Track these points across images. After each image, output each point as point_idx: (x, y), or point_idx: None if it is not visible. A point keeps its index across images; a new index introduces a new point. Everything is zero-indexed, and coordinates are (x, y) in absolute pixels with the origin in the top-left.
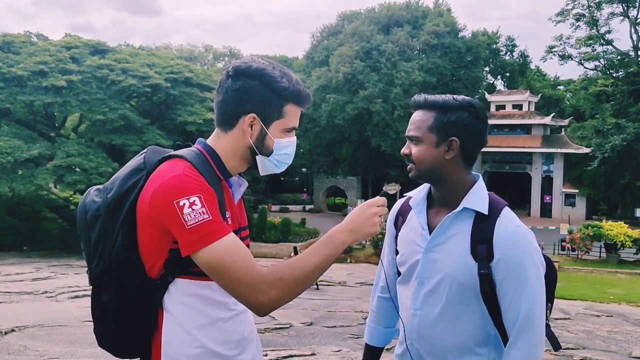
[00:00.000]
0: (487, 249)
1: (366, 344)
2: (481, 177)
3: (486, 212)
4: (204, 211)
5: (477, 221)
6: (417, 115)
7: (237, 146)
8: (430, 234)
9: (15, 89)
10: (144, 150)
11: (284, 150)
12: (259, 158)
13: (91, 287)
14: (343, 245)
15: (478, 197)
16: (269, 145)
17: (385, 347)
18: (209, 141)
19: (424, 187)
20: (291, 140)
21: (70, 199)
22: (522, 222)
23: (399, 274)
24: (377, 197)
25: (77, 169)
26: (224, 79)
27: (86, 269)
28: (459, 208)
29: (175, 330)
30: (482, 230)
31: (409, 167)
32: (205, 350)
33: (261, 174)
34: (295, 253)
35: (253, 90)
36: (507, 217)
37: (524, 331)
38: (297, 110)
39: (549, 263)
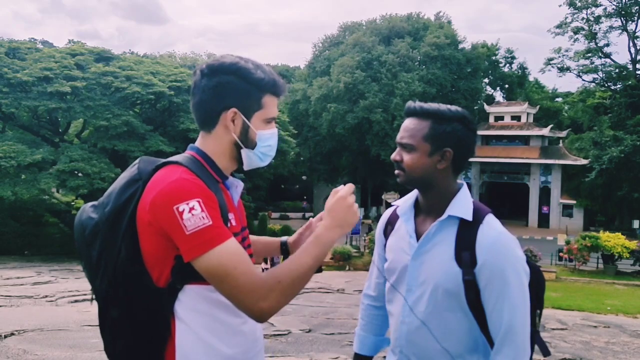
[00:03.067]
0: (471, 255)
1: (355, 353)
2: (465, 185)
3: (470, 219)
4: (204, 216)
5: (462, 228)
6: (411, 123)
7: (223, 144)
8: (417, 241)
9: (20, 94)
10: (136, 161)
11: (267, 142)
12: (244, 152)
13: (97, 304)
14: (332, 243)
15: (462, 205)
16: (252, 138)
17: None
18: (198, 145)
19: (411, 196)
20: (273, 132)
21: (73, 203)
22: (518, 234)
23: (387, 281)
24: (348, 186)
25: (79, 174)
26: (199, 79)
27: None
28: (444, 216)
29: (189, 339)
30: (466, 236)
31: (397, 172)
32: (222, 356)
33: (245, 168)
34: (266, 262)
35: (230, 85)
36: (490, 224)
37: (507, 338)
38: (275, 100)
39: (535, 270)
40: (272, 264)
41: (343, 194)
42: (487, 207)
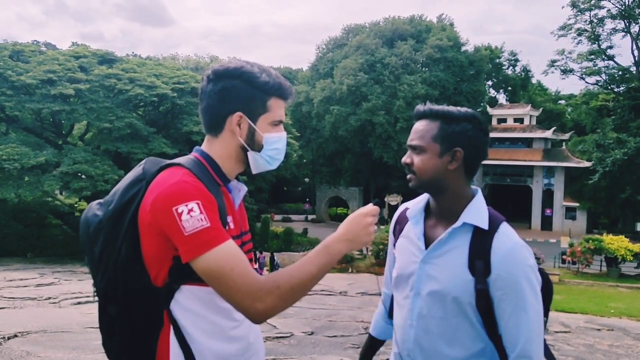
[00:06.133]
0: (485, 265)
1: (369, 334)
2: (480, 191)
3: (486, 228)
4: (202, 218)
5: (475, 236)
6: (420, 125)
7: (230, 148)
8: (426, 245)
9: (23, 97)
10: (143, 162)
11: (274, 145)
12: (250, 154)
13: (97, 300)
14: (340, 255)
15: (478, 212)
16: (259, 141)
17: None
18: (203, 148)
19: (422, 199)
20: (280, 135)
21: (76, 205)
22: (521, 237)
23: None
24: (372, 207)
25: (83, 176)
26: (205, 85)
27: (91, 277)
28: (459, 223)
29: (183, 338)
30: (480, 245)
31: (408, 176)
32: (214, 357)
33: (253, 172)
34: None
35: (235, 89)
36: (505, 233)
37: (524, 352)
38: (281, 103)
39: (544, 277)
40: (259, 265)
41: (365, 211)
42: (501, 215)
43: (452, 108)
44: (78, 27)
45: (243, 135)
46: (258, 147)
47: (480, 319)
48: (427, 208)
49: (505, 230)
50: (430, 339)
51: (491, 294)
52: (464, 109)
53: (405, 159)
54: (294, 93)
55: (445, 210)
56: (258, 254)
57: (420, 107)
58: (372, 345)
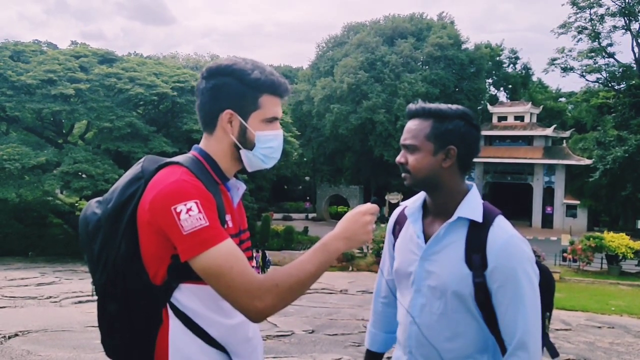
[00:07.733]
0: (481, 258)
1: (367, 349)
2: (475, 186)
3: (480, 220)
4: (201, 217)
5: (471, 230)
6: (413, 124)
7: (224, 146)
8: (425, 242)
9: (24, 97)
10: (141, 160)
11: (268, 143)
12: (243, 152)
13: (97, 298)
14: (337, 253)
15: (472, 206)
16: (250, 139)
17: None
18: (201, 146)
19: (420, 196)
20: (275, 133)
21: (76, 205)
22: (518, 231)
23: (396, 281)
24: (371, 205)
25: (83, 175)
26: (200, 82)
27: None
28: (454, 218)
29: (182, 335)
30: (476, 239)
31: (403, 175)
32: (213, 354)
33: (248, 169)
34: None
35: (226, 87)
36: (500, 226)
37: (522, 343)
38: (274, 99)
39: (545, 271)
40: (256, 263)
41: (363, 209)
42: (497, 209)
43: (443, 106)
44: (79, 26)
45: (235, 133)
46: (250, 145)
47: (480, 313)
48: (424, 205)
49: (501, 224)
50: (432, 335)
51: (489, 287)
52: (455, 106)
53: (400, 158)
54: (290, 90)
55: (441, 207)
56: (254, 253)
57: (412, 106)
58: None
